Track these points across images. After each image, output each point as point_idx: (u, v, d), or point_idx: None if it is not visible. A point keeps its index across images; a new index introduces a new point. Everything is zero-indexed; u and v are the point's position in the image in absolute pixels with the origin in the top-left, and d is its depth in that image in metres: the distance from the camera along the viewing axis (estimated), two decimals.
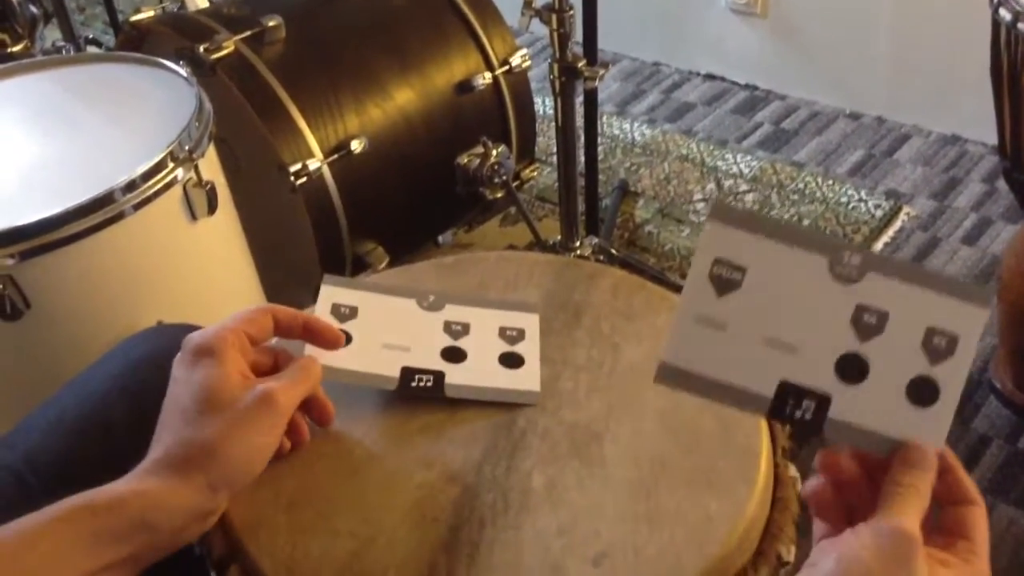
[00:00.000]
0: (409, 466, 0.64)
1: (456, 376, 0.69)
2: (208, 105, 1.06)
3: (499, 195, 1.63)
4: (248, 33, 1.38)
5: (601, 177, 2.00)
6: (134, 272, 0.98)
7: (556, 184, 2.00)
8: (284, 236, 1.45)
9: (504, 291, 0.79)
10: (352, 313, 0.72)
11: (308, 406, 0.64)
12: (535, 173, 1.76)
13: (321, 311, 0.71)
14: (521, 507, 0.61)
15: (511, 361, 0.70)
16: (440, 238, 1.84)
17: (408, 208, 1.55)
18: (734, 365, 0.52)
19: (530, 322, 0.74)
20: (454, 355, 0.70)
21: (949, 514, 0.52)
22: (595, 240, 1.61)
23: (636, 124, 2.25)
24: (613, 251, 1.62)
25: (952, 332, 0.51)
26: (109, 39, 2.53)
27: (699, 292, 0.52)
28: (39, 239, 0.89)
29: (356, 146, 1.40)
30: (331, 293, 0.73)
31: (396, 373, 0.68)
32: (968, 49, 1.75)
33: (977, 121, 2.01)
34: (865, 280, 0.51)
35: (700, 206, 1.96)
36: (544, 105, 2.28)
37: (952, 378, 0.51)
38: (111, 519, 0.53)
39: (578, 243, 1.57)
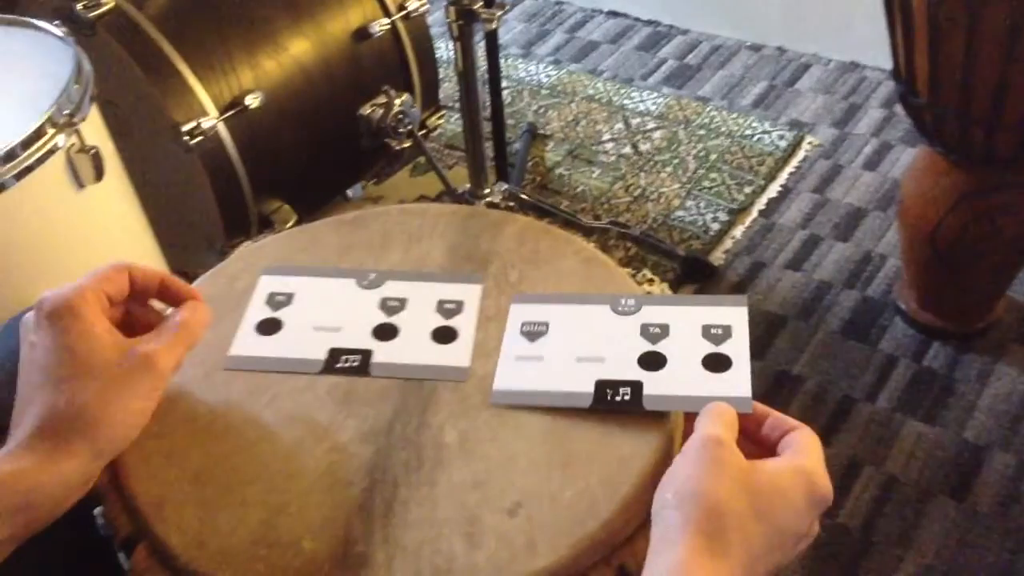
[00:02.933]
0: (318, 431, 0.62)
1: (383, 354, 0.67)
2: (88, 66, 1.00)
3: (406, 145, 1.60)
4: None
5: (510, 121, 1.99)
6: (21, 245, 0.93)
7: None
8: (184, 199, 1.40)
9: (408, 244, 0.77)
10: (287, 300, 0.71)
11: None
12: (441, 120, 1.73)
13: (256, 301, 0.71)
14: (435, 463, 0.60)
15: (444, 336, 0.69)
16: (349, 192, 1.81)
17: (312, 164, 1.51)
18: (555, 378, 0.65)
19: (471, 293, 0.72)
20: (385, 333, 0.69)
21: (778, 446, 0.57)
22: (505, 186, 1.60)
23: (542, 66, 2.23)
24: (524, 196, 1.61)
25: (724, 324, 0.67)
26: None
27: (515, 342, 0.68)
28: None
29: (252, 101, 1.35)
30: (269, 283, 0.73)
31: (322, 355, 0.67)
32: None
33: (874, 47, 2.03)
34: (643, 311, 0.69)
35: (609, 146, 1.96)
36: (447, 50, 2.24)
37: (737, 350, 0.65)
38: None
39: (488, 190, 1.55)
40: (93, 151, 0.94)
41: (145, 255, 1.13)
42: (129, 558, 0.58)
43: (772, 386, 1.44)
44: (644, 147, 1.95)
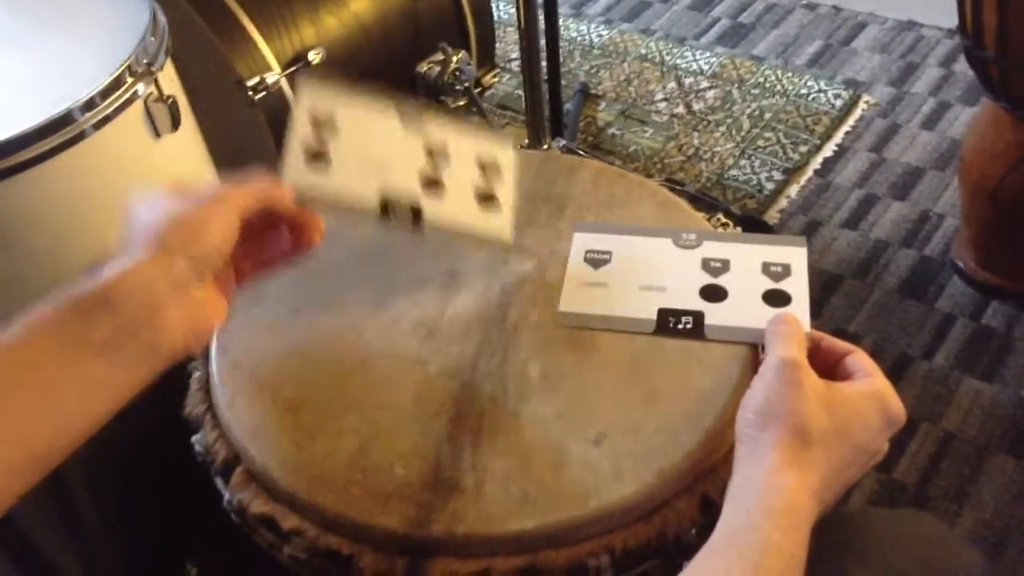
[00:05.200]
0: (405, 365, 0.64)
1: (432, 208, 0.65)
2: (162, 17, 1.02)
3: (461, 103, 1.61)
4: None
5: (562, 81, 1.98)
6: (101, 193, 0.95)
7: (517, 92, 1.98)
8: (246, 155, 1.42)
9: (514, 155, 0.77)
10: (330, 124, 0.67)
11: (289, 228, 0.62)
12: (496, 79, 1.73)
13: (301, 120, 0.67)
14: (520, 396, 0.62)
15: (486, 201, 0.67)
16: None
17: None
18: (619, 304, 0.67)
19: (505, 155, 0.69)
20: (433, 186, 0.66)
21: (837, 370, 0.59)
22: (562, 142, 1.60)
23: (593, 25, 2.22)
24: (581, 152, 1.61)
25: (784, 262, 0.68)
26: None
27: (579, 268, 0.70)
28: (1, 162, 0.86)
29: (313, 57, 1.36)
30: (312, 96, 0.69)
31: (375, 199, 0.64)
32: None
33: (932, 5, 2.00)
34: (704, 246, 0.71)
35: (662, 106, 1.95)
36: (499, 10, 2.24)
37: (797, 287, 0.67)
38: (91, 302, 0.51)
39: (545, 147, 1.56)
40: (171, 100, 0.96)
41: None
42: (227, 483, 0.60)
43: None
44: (697, 107, 1.94)
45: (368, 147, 0.66)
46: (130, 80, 0.93)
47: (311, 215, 0.63)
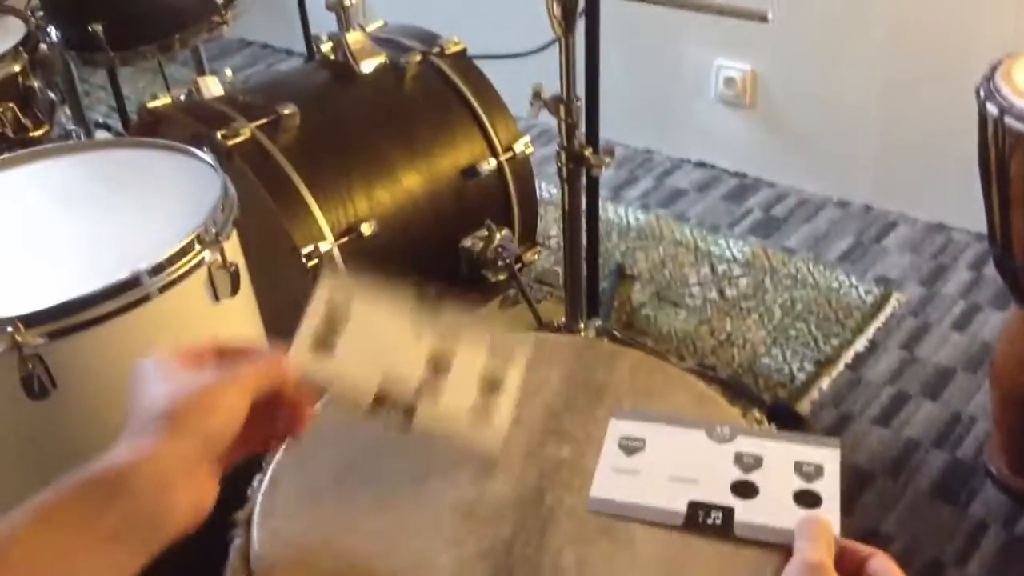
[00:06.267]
0: (440, 544, 0.65)
1: (425, 411, 0.68)
2: (233, 190, 1.09)
3: (501, 278, 1.66)
4: (264, 120, 1.43)
5: (599, 261, 2.05)
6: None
7: (555, 267, 2.04)
8: (294, 318, 1.47)
9: (525, 371, 0.81)
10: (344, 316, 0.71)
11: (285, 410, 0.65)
12: (536, 256, 1.80)
13: (316, 308, 0.73)
14: None
15: (480, 414, 0.70)
16: None
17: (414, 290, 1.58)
18: (649, 493, 0.68)
19: (514, 371, 0.73)
20: (431, 390, 0.69)
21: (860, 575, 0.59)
22: (599, 323, 1.64)
23: (630, 209, 2.31)
24: (616, 333, 1.65)
25: (817, 463, 0.69)
26: (114, 122, 2.58)
27: (612, 455, 0.72)
28: (68, 320, 0.91)
29: (366, 229, 1.43)
30: (332, 288, 0.73)
31: (371, 392, 0.68)
32: (951, 140, 1.82)
33: (962, 209, 2.06)
34: (737, 440, 0.72)
35: (696, 290, 2.00)
36: (541, 189, 2.34)
37: (829, 489, 0.67)
38: (102, 489, 0.54)
39: (582, 325, 1.60)
40: (233, 267, 1.02)
41: None
42: None
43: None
44: (730, 293, 1.98)
45: (375, 343, 0.70)
46: (198, 247, 0.99)
47: (304, 404, 0.66)
